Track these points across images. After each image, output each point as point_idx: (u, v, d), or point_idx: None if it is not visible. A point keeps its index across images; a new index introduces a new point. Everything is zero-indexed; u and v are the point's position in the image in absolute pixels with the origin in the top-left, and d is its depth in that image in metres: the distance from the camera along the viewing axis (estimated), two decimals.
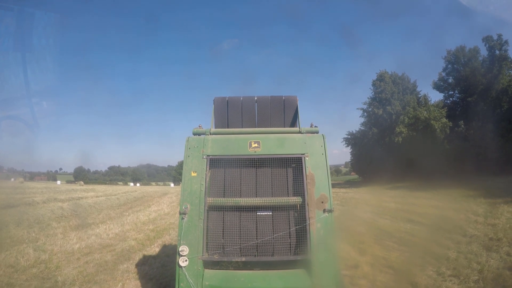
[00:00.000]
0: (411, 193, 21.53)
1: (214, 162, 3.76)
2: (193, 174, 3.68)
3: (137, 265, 6.35)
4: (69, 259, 6.68)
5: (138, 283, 5.34)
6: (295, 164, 3.78)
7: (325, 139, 3.88)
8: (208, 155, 3.75)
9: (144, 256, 7.04)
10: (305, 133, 3.98)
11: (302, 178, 3.66)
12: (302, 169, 3.70)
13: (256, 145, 3.79)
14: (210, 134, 3.98)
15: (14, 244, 7.84)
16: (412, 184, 24.63)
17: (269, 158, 3.77)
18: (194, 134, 4.00)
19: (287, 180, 3.77)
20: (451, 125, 35.07)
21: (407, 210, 13.62)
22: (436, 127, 35.12)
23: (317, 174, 3.69)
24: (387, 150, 36.43)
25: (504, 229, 8.28)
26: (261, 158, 3.77)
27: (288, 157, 3.77)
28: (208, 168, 3.70)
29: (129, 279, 5.49)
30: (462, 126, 34.91)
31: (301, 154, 3.77)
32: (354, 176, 66.15)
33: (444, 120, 35.43)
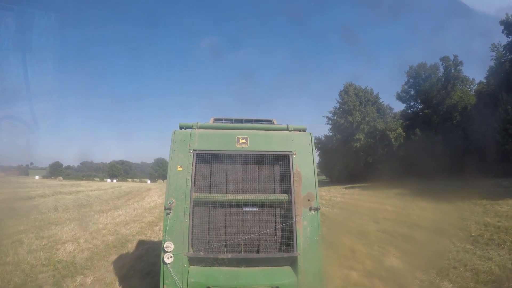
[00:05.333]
0: (361, 191, 26.66)
1: (201, 157, 3.74)
2: (179, 169, 3.64)
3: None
4: (118, 226, 10.39)
5: None
6: (282, 161, 3.80)
7: (312, 137, 3.92)
8: (194, 150, 3.72)
9: None
10: (292, 130, 3.98)
11: (289, 175, 3.68)
12: (289, 167, 3.71)
13: (243, 141, 3.77)
14: (197, 128, 3.95)
15: (70, 221, 11.30)
16: (367, 185, 29.92)
17: (256, 154, 3.76)
18: (181, 127, 3.96)
19: (274, 177, 3.79)
20: (404, 135, 40.55)
21: (348, 203, 18.38)
22: (391, 137, 40.78)
23: (304, 172, 3.71)
24: (348, 155, 41.79)
25: (415, 219, 12.85)
26: (248, 154, 3.76)
27: (275, 154, 3.79)
28: (194, 163, 3.68)
29: None
30: (419, 134, 39.22)
31: (289, 151, 3.77)
32: (323, 177, 72.00)
33: (399, 130, 41.08)
